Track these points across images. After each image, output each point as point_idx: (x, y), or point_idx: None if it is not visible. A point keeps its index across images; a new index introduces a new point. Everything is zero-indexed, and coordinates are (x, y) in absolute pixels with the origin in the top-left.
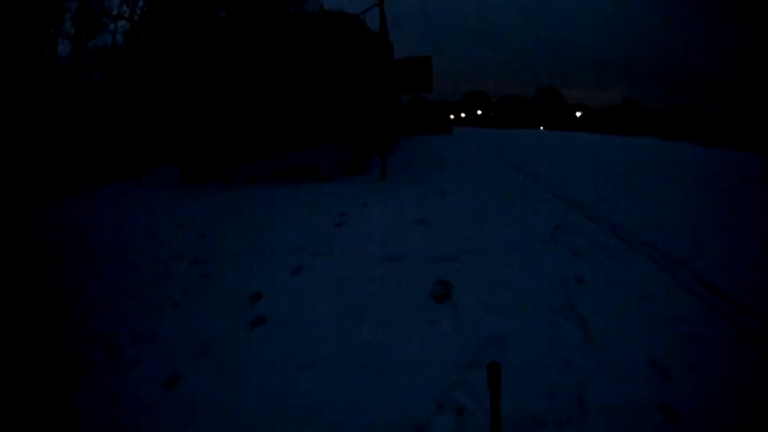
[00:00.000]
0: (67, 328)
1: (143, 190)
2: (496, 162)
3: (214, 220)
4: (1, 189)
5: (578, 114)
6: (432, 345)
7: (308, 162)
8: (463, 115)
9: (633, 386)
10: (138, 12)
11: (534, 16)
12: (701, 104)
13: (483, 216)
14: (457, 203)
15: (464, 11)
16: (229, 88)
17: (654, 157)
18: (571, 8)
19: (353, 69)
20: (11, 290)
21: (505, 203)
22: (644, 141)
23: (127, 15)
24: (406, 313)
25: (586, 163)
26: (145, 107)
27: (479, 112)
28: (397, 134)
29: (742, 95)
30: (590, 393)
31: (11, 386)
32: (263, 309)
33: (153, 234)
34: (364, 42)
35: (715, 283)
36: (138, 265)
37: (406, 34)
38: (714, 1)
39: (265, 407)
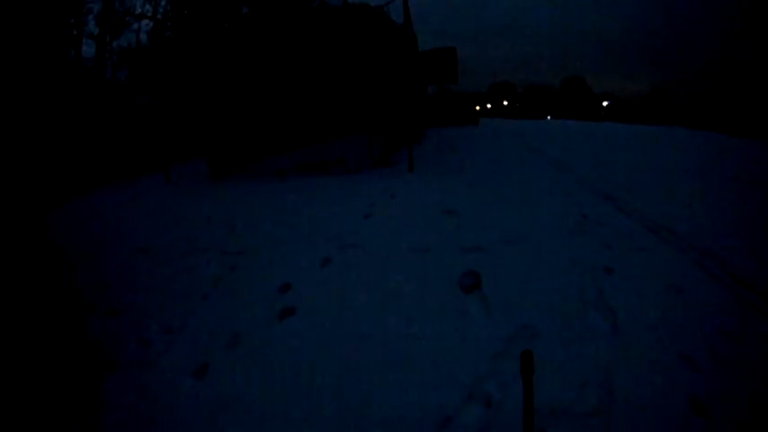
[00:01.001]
0: (97, 320)
1: (171, 185)
2: (524, 153)
3: (242, 213)
4: (32, 187)
5: (605, 104)
6: (460, 335)
7: (335, 155)
8: (489, 106)
9: (663, 379)
10: (162, 10)
11: (561, 4)
12: (731, 93)
13: (511, 207)
14: (484, 194)
15: (490, 1)
16: (254, 83)
17: (684, 147)
18: None
19: (378, 62)
20: (42, 285)
21: (534, 194)
22: (673, 131)
23: (150, 14)
24: (434, 304)
25: (615, 154)
26: (170, 104)
27: (505, 102)
28: (423, 126)
29: None
30: (619, 385)
31: (36, 379)
32: (292, 300)
33: (182, 227)
34: (388, 34)
35: (746, 276)
36: (169, 259)
37: (431, 26)
38: None
39: (294, 396)
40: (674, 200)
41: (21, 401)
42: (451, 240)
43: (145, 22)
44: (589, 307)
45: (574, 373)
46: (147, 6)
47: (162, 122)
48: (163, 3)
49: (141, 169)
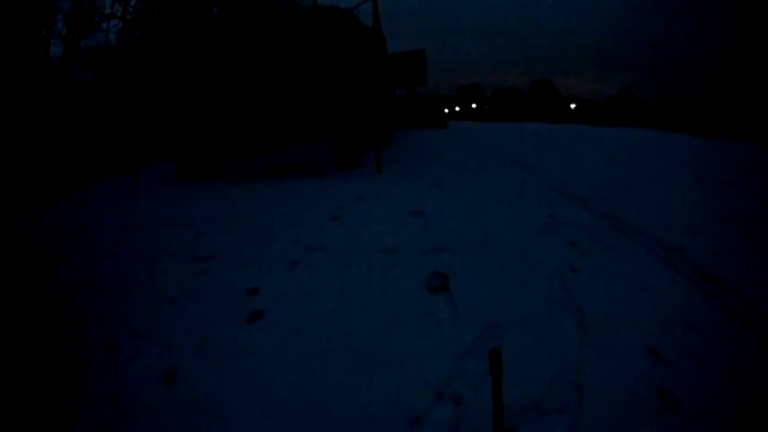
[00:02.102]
0: (66, 327)
1: (139, 189)
2: (491, 155)
3: (210, 217)
4: None
5: (573, 106)
6: (429, 336)
7: (303, 157)
8: (458, 109)
9: (632, 374)
10: (131, 10)
11: (529, 7)
12: (696, 95)
13: (479, 207)
14: (452, 195)
15: (460, 3)
16: (223, 85)
17: (650, 148)
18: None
19: (347, 64)
20: (9, 292)
21: (501, 195)
22: (640, 133)
23: (119, 14)
24: (402, 305)
25: (583, 155)
26: (138, 106)
27: (474, 105)
28: (391, 128)
29: (737, 86)
30: (588, 381)
31: (9, 388)
32: (260, 303)
33: (150, 232)
34: (358, 37)
35: (711, 271)
36: (136, 263)
37: (400, 29)
38: None
39: (263, 400)
40: (639, 199)
41: None
42: (419, 242)
43: (114, 22)
44: (556, 305)
45: (543, 370)
46: (117, 6)
47: (130, 124)
48: (132, 3)
49: (109, 172)
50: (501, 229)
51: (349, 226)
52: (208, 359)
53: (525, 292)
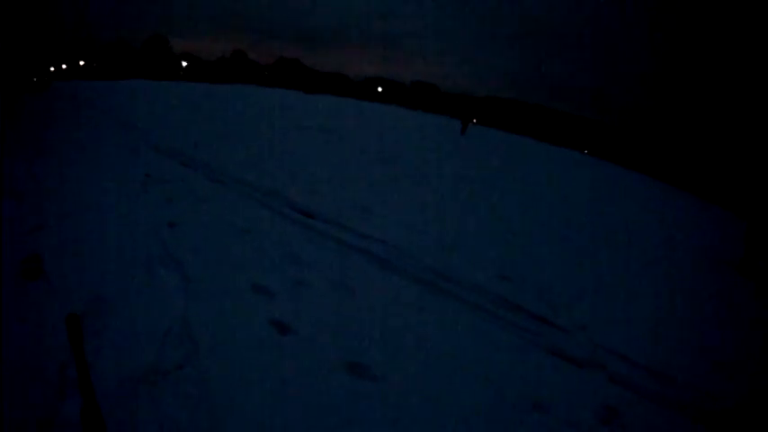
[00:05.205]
0: None
1: None
2: (97, 116)
3: None
4: None
5: (184, 64)
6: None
7: None
8: (65, 67)
9: (241, 310)
10: None
11: None
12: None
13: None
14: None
15: None
16: None
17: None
18: None
19: None
20: None
21: (100, 155)
22: (238, 88)
23: None
24: None
25: (183, 111)
26: None
27: (82, 63)
28: None
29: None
30: (200, 330)
31: None
32: None
33: None
34: None
35: (309, 208)
36: None
37: None
38: None
39: None
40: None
41: None
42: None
43: None
44: (156, 261)
45: (154, 329)
46: None
47: None
48: None
49: None
50: (95, 192)
51: None
52: None
53: (124, 254)
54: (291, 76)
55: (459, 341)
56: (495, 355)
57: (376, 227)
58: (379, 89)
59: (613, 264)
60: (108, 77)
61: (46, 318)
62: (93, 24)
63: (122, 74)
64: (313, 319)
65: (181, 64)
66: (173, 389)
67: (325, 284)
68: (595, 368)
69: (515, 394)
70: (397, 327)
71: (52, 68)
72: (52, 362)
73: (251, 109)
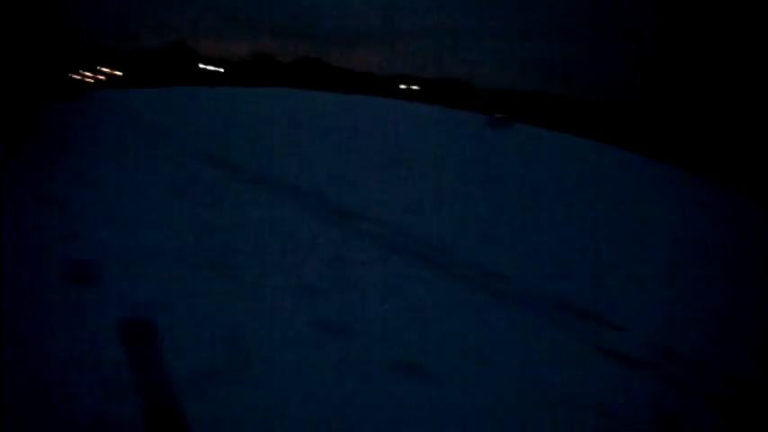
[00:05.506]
0: None
1: None
2: (132, 124)
3: None
4: None
5: (210, 68)
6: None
7: None
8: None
9: (286, 311)
10: None
11: None
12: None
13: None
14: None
15: None
16: None
17: (285, 104)
18: None
19: None
20: None
21: (140, 161)
22: (276, 91)
23: None
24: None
25: (218, 116)
26: None
27: (105, 70)
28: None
29: None
30: (249, 335)
31: None
32: None
33: None
34: None
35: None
36: None
37: None
38: None
39: None
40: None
41: None
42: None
43: None
44: (204, 265)
45: (207, 333)
46: None
47: None
48: None
49: None
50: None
51: None
52: None
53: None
54: (317, 76)
55: (514, 344)
56: (548, 356)
57: (421, 226)
58: (406, 86)
59: (656, 260)
60: (131, 85)
61: (100, 321)
62: (111, 32)
63: (144, 82)
64: (365, 320)
65: (206, 68)
66: (226, 390)
67: (373, 285)
68: (649, 367)
69: (570, 397)
70: (450, 329)
71: (85, 75)
72: (107, 363)
73: (287, 112)
